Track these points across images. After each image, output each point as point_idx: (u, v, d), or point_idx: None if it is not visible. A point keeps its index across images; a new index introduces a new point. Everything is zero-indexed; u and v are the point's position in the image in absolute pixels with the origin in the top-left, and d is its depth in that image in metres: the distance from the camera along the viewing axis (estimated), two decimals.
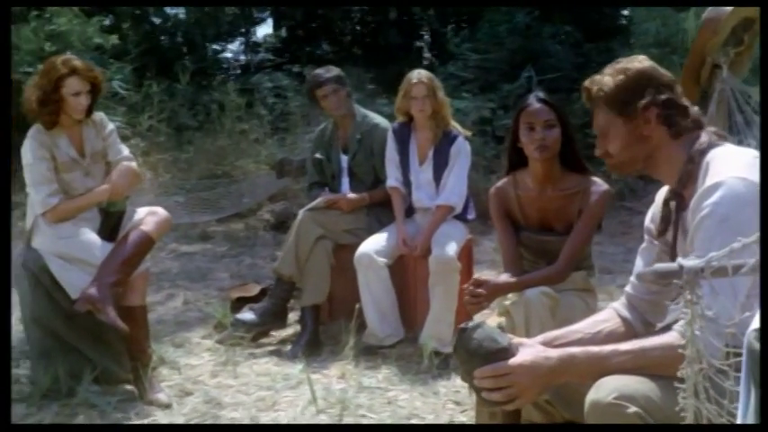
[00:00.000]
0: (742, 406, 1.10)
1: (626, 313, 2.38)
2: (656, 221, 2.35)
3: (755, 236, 1.11)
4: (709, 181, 2.01)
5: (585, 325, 2.38)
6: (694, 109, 2.24)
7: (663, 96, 2.19)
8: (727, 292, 1.69)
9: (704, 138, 2.17)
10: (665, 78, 2.23)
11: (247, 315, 4.68)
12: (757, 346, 1.02)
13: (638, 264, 2.44)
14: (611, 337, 2.31)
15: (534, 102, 3.34)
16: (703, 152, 2.13)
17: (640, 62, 2.26)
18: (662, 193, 2.35)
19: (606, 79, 2.25)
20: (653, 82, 2.21)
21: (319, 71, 4.96)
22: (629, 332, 2.34)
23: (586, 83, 2.33)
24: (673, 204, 2.24)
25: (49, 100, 3.81)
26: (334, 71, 4.91)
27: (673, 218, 2.25)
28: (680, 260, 1.26)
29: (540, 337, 2.34)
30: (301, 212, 4.81)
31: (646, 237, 2.42)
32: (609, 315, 2.42)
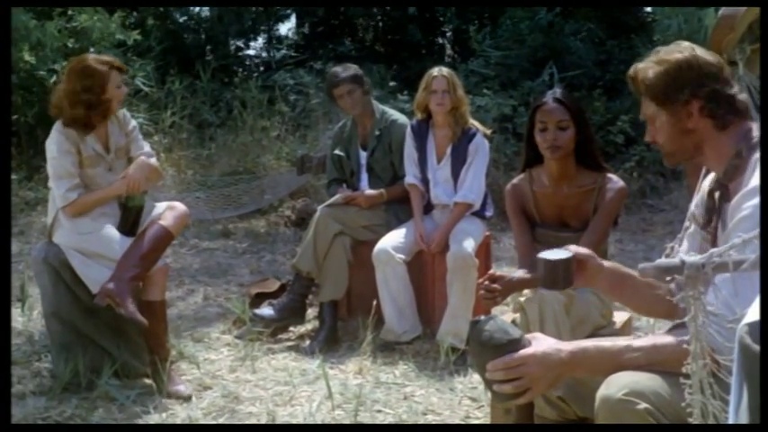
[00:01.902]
0: (734, 403, 1.10)
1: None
2: (701, 209, 2.30)
3: (755, 232, 1.11)
4: (754, 181, 1.96)
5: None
6: (741, 96, 2.16)
7: (706, 88, 2.10)
8: (729, 288, 1.68)
9: (755, 132, 2.10)
10: (709, 67, 2.13)
11: (266, 310, 4.71)
12: (748, 340, 1.03)
13: (684, 247, 2.38)
14: (660, 303, 2.28)
15: (550, 101, 3.31)
16: (753, 147, 2.07)
17: (681, 51, 2.16)
18: (708, 180, 2.30)
19: (648, 70, 2.18)
20: (693, 72, 2.12)
21: (337, 69, 4.99)
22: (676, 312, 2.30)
23: (630, 72, 2.26)
24: (716, 195, 2.18)
25: (100, 101, 3.89)
26: (350, 70, 4.93)
27: (716, 209, 2.19)
28: (681, 255, 1.26)
29: (610, 265, 2.35)
30: (320, 209, 4.83)
31: (693, 224, 2.36)
32: None
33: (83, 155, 3.92)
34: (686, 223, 2.39)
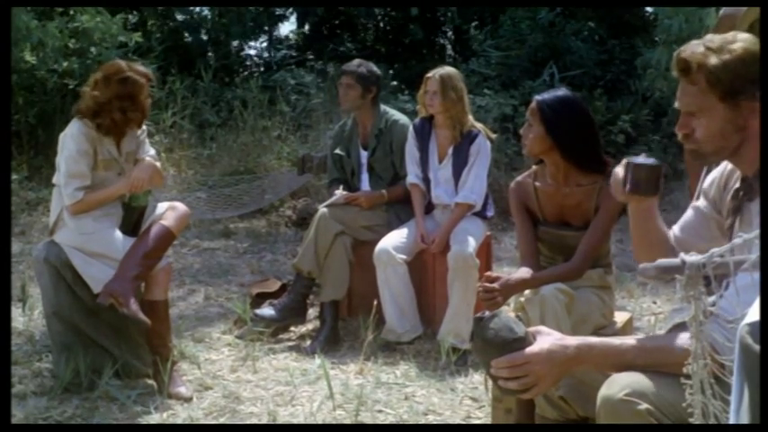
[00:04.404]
0: (734, 403, 1.10)
1: None
2: (715, 190, 2.27)
3: (756, 232, 1.11)
4: None
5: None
6: None
7: None
8: (730, 288, 1.67)
9: None
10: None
11: (267, 310, 4.71)
12: (749, 340, 1.02)
13: (688, 215, 2.36)
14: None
15: (534, 101, 3.36)
16: None
17: (745, 41, 2.02)
18: (727, 165, 2.24)
19: (710, 58, 2.02)
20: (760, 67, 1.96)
21: (357, 61, 5.06)
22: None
23: (685, 54, 2.07)
24: (740, 194, 2.14)
25: (137, 109, 3.94)
26: (364, 68, 4.95)
27: (738, 208, 2.15)
28: (682, 255, 1.26)
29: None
30: (320, 209, 4.83)
31: (702, 199, 2.33)
32: None
33: (98, 157, 3.92)
34: (696, 200, 2.35)
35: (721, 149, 2.10)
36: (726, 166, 2.27)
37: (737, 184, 2.18)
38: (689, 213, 2.37)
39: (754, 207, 2.06)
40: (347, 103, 4.95)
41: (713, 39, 2.06)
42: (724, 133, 2.07)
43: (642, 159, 2.30)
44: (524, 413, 3.03)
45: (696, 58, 2.04)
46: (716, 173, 2.30)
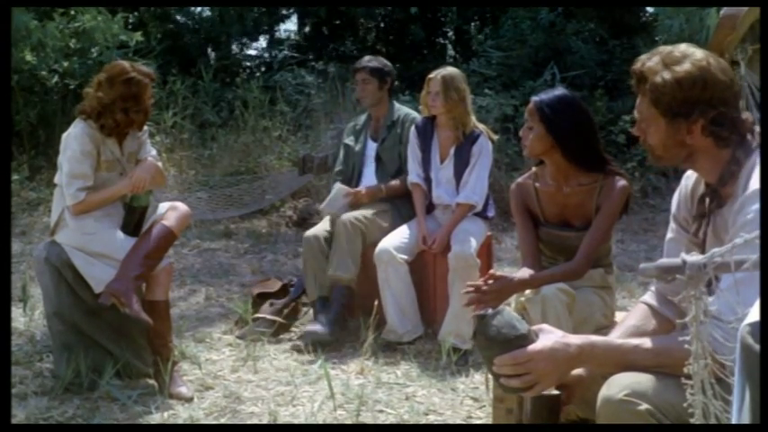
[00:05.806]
0: (736, 403, 1.10)
1: (665, 312, 2.30)
2: (684, 210, 2.27)
3: (756, 232, 1.11)
4: (754, 184, 1.94)
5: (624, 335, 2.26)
6: (745, 114, 2.10)
7: (714, 111, 2.03)
8: (731, 288, 1.67)
9: (750, 138, 2.06)
10: (721, 87, 2.04)
11: (318, 327, 4.52)
12: (750, 340, 1.02)
13: (666, 251, 2.35)
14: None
15: (531, 102, 3.37)
16: (749, 152, 2.03)
17: (695, 62, 2.04)
18: (689, 178, 2.27)
19: (657, 75, 2.07)
20: (704, 92, 2.03)
21: (366, 57, 5.15)
22: (669, 328, 2.25)
23: (637, 66, 2.15)
24: (707, 201, 2.15)
25: (140, 110, 3.95)
26: (376, 62, 5.03)
27: (706, 215, 2.15)
28: (683, 255, 1.26)
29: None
30: (342, 218, 4.73)
31: (673, 225, 2.33)
32: (643, 316, 2.35)
33: (101, 158, 3.93)
34: (669, 231, 2.35)
35: (669, 158, 2.17)
36: (686, 183, 2.29)
37: (703, 190, 2.19)
38: (665, 250, 2.36)
39: (727, 212, 2.05)
40: (366, 98, 5.00)
41: (674, 51, 2.10)
42: (666, 145, 2.13)
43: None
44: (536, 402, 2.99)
45: (645, 72, 2.12)
46: (679, 193, 2.32)
